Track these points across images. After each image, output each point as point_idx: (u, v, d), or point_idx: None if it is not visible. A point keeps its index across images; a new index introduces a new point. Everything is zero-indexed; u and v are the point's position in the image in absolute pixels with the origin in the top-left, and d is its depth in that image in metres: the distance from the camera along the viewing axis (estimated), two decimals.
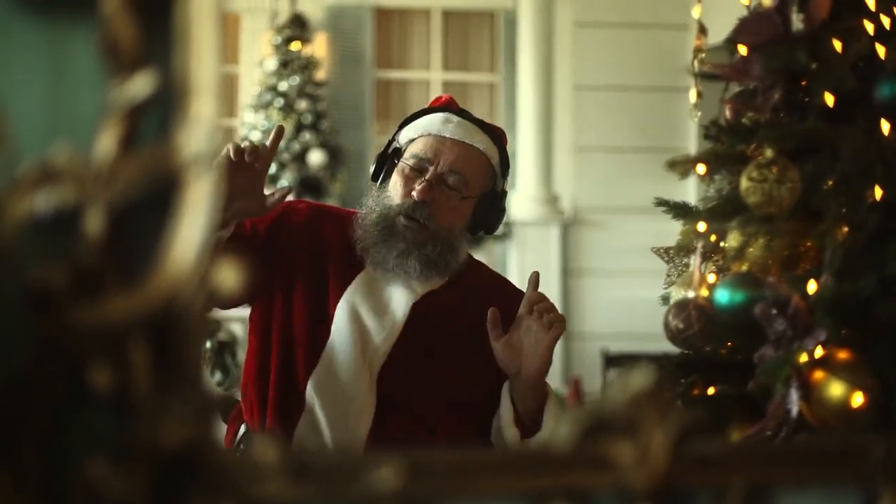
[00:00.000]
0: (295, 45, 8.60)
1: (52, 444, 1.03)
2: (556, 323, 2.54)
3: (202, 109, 1.00)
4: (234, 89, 9.13)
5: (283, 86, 8.57)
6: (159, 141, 1.02)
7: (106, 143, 1.01)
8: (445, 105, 2.73)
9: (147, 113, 1.03)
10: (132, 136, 1.01)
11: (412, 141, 2.66)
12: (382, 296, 2.60)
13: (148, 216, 1.02)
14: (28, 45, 1.05)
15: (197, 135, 1.00)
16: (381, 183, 2.68)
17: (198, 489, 1.02)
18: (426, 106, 2.79)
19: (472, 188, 2.63)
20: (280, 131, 2.59)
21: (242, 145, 2.48)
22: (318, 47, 8.81)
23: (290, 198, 2.70)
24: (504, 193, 2.73)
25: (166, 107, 1.03)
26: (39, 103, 1.05)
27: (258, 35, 8.85)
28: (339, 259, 2.63)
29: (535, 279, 2.59)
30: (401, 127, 2.72)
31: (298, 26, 8.62)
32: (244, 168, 2.47)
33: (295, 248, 2.62)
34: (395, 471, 1.03)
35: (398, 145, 2.69)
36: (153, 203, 1.02)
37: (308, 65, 8.64)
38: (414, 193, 2.57)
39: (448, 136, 2.63)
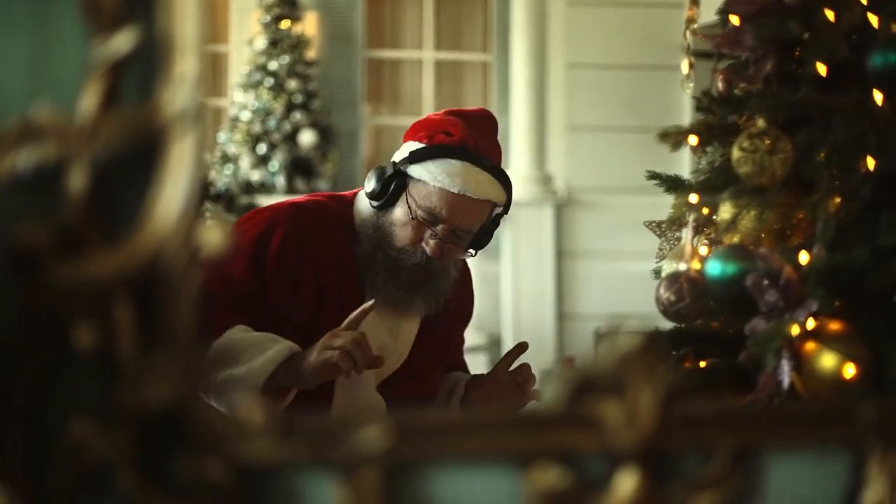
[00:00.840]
0: (285, 24, 8.56)
1: (36, 405, 1.02)
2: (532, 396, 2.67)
3: (185, 67, 0.99)
4: (224, 68, 9.09)
5: (273, 65, 8.54)
6: (142, 99, 1.01)
7: (88, 100, 1.00)
8: (461, 143, 2.58)
9: (130, 70, 1.02)
10: (114, 93, 1.00)
11: (424, 183, 2.55)
12: (394, 321, 2.62)
13: (131, 174, 1.01)
14: (10, 4, 1.04)
15: (180, 93, 0.99)
16: (383, 204, 2.58)
17: (183, 449, 1.02)
18: (432, 120, 2.65)
19: (472, 233, 2.61)
20: (369, 308, 2.46)
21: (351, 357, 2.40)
22: (309, 26, 8.76)
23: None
24: (498, 217, 2.67)
25: (149, 65, 1.01)
26: (21, 61, 1.04)
27: (247, 13, 8.80)
28: (352, 276, 2.59)
29: (522, 350, 2.66)
30: (414, 158, 2.58)
31: (288, 4, 8.58)
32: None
33: (313, 280, 2.56)
34: (382, 431, 1.03)
35: (404, 170, 2.57)
36: (136, 161, 1.01)
37: (298, 44, 8.60)
38: (427, 249, 2.53)
39: (469, 195, 2.54)
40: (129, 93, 1.03)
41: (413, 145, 2.60)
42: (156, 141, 1.00)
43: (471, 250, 2.67)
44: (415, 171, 2.56)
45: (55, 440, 1.01)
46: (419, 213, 2.54)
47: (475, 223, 2.58)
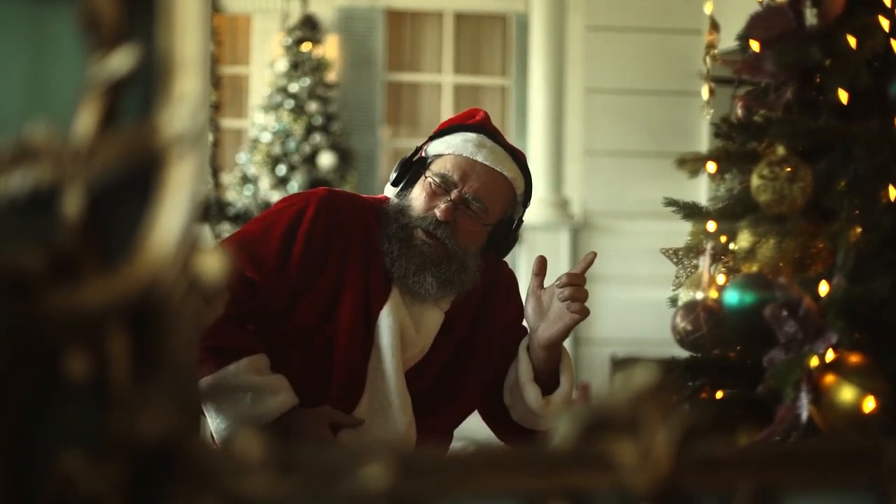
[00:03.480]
0: (306, 47, 8.59)
1: (25, 436, 0.99)
2: (576, 311, 2.60)
3: (186, 87, 0.96)
4: (245, 90, 9.12)
5: (294, 87, 8.56)
6: (141, 119, 0.98)
7: (85, 120, 0.96)
8: (481, 123, 2.69)
9: (128, 90, 0.98)
10: (113, 113, 0.97)
11: (441, 156, 2.63)
12: (418, 307, 2.64)
13: (128, 197, 0.98)
14: (6, 20, 1.01)
15: (180, 113, 0.96)
16: (402, 189, 2.66)
17: (177, 484, 0.98)
18: (455, 116, 2.76)
19: (492, 216, 2.63)
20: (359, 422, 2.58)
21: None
22: (330, 49, 8.79)
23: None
24: (520, 222, 2.73)
25: (149, 84, 0.98)
26: (17, 79, 1.01)
27: (269, 36, 8.85)
28: (380, 258, 2.62)
29: (591, 259, 2.63)
30: (433, 137, 2.69)
31: (309, 28, 8.60)
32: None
33: (339, 255, 2.61)
34: (386, 468, 0.99)
35: (425, 155, 2.67)
36: (134, 184, 0.98)
37: (319, 66, 8.63)
38: (437, 212, 2.57)
39: (480, 160, 2.61)
40: (128, 112, 0.99)
41: None
42: (154, 163, 0.97)
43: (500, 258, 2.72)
44: (434, 147, 2.65)
45: (44, 472, 0.98)
46: (432, 179, 2.60)
47: (490, 196, 2.61)
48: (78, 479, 0.94)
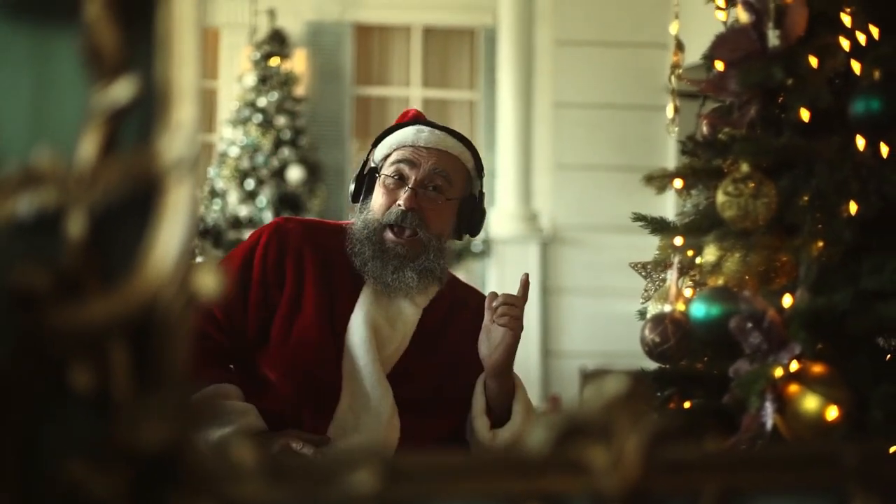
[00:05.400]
0: (274, 61, 8.61)
1: (31, 445, 1.04)
2: (507, 325, 2.61)
3: (183, 115, 1.02)
4: (213, 104, 9.12)
5: (262, 101, 8.57)
6: (140, 146, 1.03)
7: (88, 147, 1.02)
8: (414, 118, 2.80)
9: (128, 118, 1.04)
10: (113, 140, 1.02)
11: (388, 157, 2.72)
12: (391, 306, 2.68)
13: (129, 220, 1.03)
14: (11, 50, 1.06)
15: (177, 140, 1.01)
16: (362, 202, 2.74)
17: (177, 490, 1.03)
18: (395, 122, 2.85)
19: (454, 189, 2.70)
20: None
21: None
22: (298, 63, 8.81)
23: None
24: (482, 195, 2.80)
25: (147, 112, 1.04)
26: (22, 107, 1.06)
27: (237, 50, 8.85)
28: (343, 272, 2.68)
29: (524, 281, 2.65)
30: (374, 145, 2.78)
31: (278, 42, 8.62)
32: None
33: (296, 270, 2.66)
34: (373, 473, 1.04)
35: (373, 164, 2.75)
36: (134, 207, 1.03)
37: (287, 80, 8.64)
38: (400, 202, 2.63)
39: (422, 144, 2.69)
40: (128, 138, 1.05)
41: None
42: (153, 187, 1.02)
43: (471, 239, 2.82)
44: (377, 153, 2.75)
45: (50, 479, 1.03)
46: (387, 179, 2.67)
47: (446, 167, 2.68)
48: (82, 485, 0.99)
